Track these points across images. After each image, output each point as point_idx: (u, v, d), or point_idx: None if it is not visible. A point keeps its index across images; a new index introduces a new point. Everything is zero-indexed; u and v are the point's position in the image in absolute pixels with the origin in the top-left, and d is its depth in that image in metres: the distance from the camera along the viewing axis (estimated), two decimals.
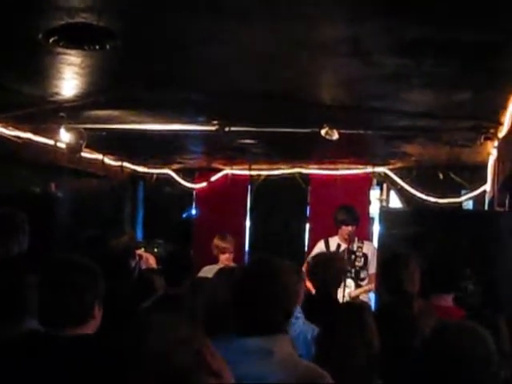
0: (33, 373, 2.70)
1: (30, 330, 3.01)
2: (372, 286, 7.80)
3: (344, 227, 7.99)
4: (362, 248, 8.07)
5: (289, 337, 2.89)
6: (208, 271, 6.82)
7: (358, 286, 7.95)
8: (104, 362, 2.74)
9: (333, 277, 5.42)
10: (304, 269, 5.76)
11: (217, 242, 7.67)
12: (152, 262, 7.69)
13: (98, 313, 2.96)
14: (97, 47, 4.05)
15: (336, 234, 8.19)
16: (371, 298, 7.94)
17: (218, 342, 2.68)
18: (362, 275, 8.03)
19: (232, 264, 7.26)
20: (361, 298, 7.81)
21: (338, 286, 5.63)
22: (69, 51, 4.23)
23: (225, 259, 7.51)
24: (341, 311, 3.86)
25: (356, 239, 8.18)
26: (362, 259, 8.02)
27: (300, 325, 4.26)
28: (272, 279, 2.89)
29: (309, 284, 5.60)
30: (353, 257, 8.04)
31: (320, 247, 8.15)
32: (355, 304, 5.16)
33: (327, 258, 5.90)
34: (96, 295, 2.95)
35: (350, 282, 7.85)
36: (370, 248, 8.15)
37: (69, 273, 2.92)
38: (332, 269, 5.39)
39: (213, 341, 1.92)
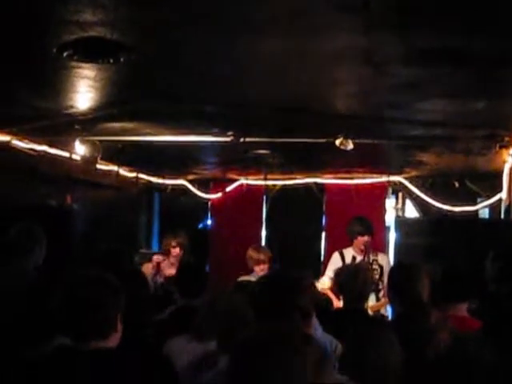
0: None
1: (59, 345, 3.10)
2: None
3: (360, 238, 7.86)
4: (377, 260, 7.93)
5: None
6: None
7: (377, 298, 7.80)
8: (124, 374, 2.90)
9: (363, 288, 5.34)
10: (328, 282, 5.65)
11: (251, 253, 7.55)
12: (171, 271, 7.70)
13: (120, 326, 3.08)
14: (111, 61, 4.08)
15: (350, 244, 8.13)
16: (388, 311, 7.82)
17: None
18: (380, 287, 7.94)
19: None
20: (381, 311, 7.71)
21: (367, 298, 5.55)
22: (83, 65, 4.25)
23: (260, 270, 7.36)
24: (372, 325, 3.81)
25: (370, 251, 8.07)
26: (379, 271, 7.92)
27: (320, 336, 4.24)
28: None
29: (332, 295, 5.48)
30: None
31: (336, 259, 8.04)
32: (383, 319, 5.07)
33: (356, 269, 5.81)
34: (118, 309, 3.07)
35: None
36: (385, 259, 8.06)
37: (92, 288, 3.04)
38: (361, 280, 5.32)
39: None
